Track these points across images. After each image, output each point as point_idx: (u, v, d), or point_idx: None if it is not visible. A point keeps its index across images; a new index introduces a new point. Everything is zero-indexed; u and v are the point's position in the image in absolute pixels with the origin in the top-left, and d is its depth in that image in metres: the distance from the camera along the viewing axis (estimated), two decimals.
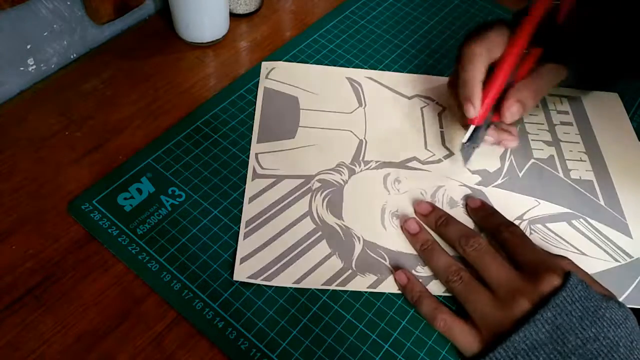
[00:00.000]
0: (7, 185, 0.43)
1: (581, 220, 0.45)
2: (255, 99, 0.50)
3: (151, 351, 0.36)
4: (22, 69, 0.49)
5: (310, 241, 0.41)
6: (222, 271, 0.39)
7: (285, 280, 0.39)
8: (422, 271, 0.41)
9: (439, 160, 0.48)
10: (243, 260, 0.40)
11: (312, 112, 0.50)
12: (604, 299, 0.35)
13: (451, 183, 0.46)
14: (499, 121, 0.44)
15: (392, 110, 0.51)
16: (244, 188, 0.44)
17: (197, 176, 0.45)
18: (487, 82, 0.42)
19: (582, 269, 0.39)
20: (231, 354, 0.36)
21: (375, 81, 0.53)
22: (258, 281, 0.39)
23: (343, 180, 0.45)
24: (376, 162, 0.47)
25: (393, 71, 0.55)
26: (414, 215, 0.44)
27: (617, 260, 0.43)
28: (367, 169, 0.46)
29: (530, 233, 0.44)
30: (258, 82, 0.52)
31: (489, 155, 0.49)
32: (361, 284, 0.40)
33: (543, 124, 0.52)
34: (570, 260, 0.39)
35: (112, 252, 0.40)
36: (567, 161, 0.49)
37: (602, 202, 0.47)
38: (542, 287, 0.35)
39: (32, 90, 0.49)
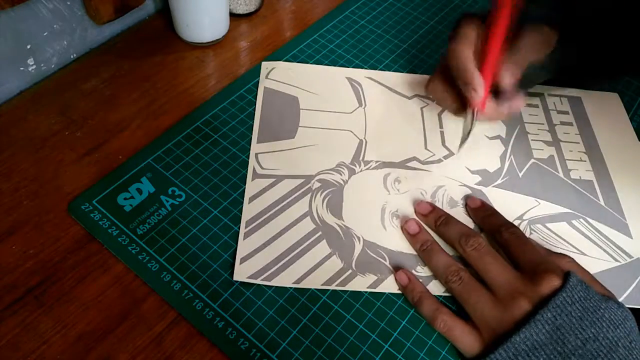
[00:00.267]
0: (7, 185, 0.43)
1: (581, 220, 0.45)
2: (255, 99, 0.50)
3: (151, 351, 0.36)
4: (22, 69, 0.49)
5: (310, 241, 0.41)
6: (222, 271, 0.39)
7: (285, 280, 0.39)
8: (422, 271, 0.41)
9: (439, 160, 0.48)
10: (243, 260, 0.40)
11: (312, 112, 0.50)
12: (603, 300, 0.35)
13: (451, 183, 0.46)
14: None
15: (392, 110, 0.51)
16: (244, 188, 0.44)
17: (197, 176, 0.45)
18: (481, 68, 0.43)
19: (583, 268, 0.39)
20: (231, 354, 0.36)
21: (375, 81, 0.53)
22: (258, 281, 0.39)
23: (343, 180, 0.45)
24: (376, 162, 0.47)
25: (393, 71, 0.55)
26: (414, 216, 0.44)
27: (617, 260, 0.43)
28: (367, 169, 0.46)
29: (530, 233, 0.44)
30: (258, 82, 0.52)
31: (489, 155, 0.49)
32: (361, 284, 0.40)
33: (543, 124, 0.52)
34: (572, 258, 0.39)
35: (112, 252, 0.40)
36: (567, 161, 0.49)
37: (602, 202, 0.47)
38: (542, 288, 0.35)
39: (32, 90, 0.49)
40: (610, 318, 0.34)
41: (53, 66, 0.51)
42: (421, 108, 0.52)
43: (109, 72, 0.51)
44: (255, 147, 0.47)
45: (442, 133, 0.50)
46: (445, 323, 0.37)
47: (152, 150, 0.46)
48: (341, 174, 0.46)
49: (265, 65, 0.53)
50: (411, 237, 0.42)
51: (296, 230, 0.42)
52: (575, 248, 0.43)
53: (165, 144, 0.46)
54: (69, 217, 0.41)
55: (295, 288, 0.39)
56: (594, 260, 0.43)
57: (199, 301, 0.38)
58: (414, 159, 0.48)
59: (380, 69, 0.55)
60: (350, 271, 0.40)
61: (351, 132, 0.49)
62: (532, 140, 0.50)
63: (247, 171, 0.45)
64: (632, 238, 0.44)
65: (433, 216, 0.43)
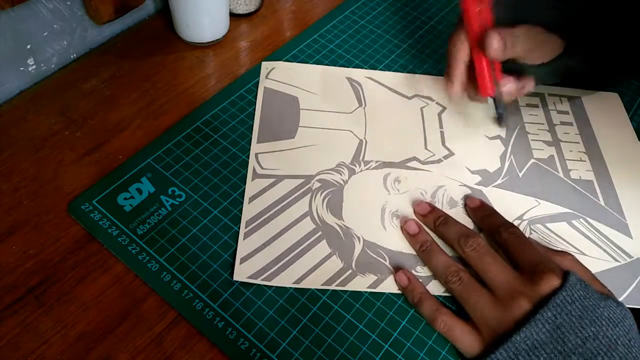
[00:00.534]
0: (7, 185, 0.43)
1: (581, 220, 0.45)
2: (255, 99, 0.50)
3: (151, 351, 0.36)
4: (22, 69, 0.49)
5: (310, 241, 0.41)
6: (222, 271, 0.39)
7: (285, 280, 0.39)
8: (421, 271, 0.41)
9: (439, 160, 0.48)
10: (243, 260, 0.40)
11: (312, 112, 0.50)
12: (602, 298, 0.35)
13: (451, 183, 0.46)
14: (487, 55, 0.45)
15: (392, 110, 0.51)
16: (244, 188, 0.44)
17: (197, 176, 0.45)
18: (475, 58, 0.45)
19: (584, 266, 0.39)
20: (231, 354, 0.36)
21: (375, 81, 0.53)
22: (258, 281, 0.39)
23: (343, 180, 0.45)
24: (376, 162, 0.47)
25: (393, 71, 0.55)
26: (414, 216, 0.44)
27: (617, 260, 0.43)
28: (367, 169, 0.46)
29: (530, 233, 0.44)
30: (258, 82, 0.52)
31: (489, 155, 0.49)
32: (361, 284, 0.40)
33: (543, 123, 0.52)
34: (573, 256, 0.40)
35: (112, 252, 0.40)
36: (567, 161, 0.49)
37: (602, 202, 0.47)
38: (541, 287, 0.35)
39: (32, 90, 0.49)
40: (610, 316, 0.34)
41: (53, 66, 0.51)
42: (421, 108, 0.52)
43: (109, 72, 0.51)
44: (255, 147, 0.47)
45: (442, 133, 0.50)
46: (445, 323, 0.37)
47: (152, 150, 0.46)
48: (341, 174, 0.46)
49: (265, 65, 0.53)
50: (411, 237, 0.42)
51: (296, 230, 0.42)
52: (575, 248, 0.43)
53: (165, 144, 0.46)
54: (69, 217, 0.41)
55: (295, 288, 0.39)
56: (594, 260, 0.43)
57: (199, 301, 0.38)
58: (414, 159, 0.48)
59: (380, 69, 0.55)
60: (350, 271, 0.40)
61: (351, 132, 0.49)
62: (532, 140, 0.50)
63: (247, 171, 0.45)
64: (632, 238, 0.44)
65: (432, 216, 0.43)
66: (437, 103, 0.52)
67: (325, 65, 0.54)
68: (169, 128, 0.48)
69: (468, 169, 0.47)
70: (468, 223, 0.43)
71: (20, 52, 0.48)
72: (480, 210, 0.43)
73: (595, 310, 0.34)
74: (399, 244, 0.42)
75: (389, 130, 0.50)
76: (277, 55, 0.55)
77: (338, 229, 0.42)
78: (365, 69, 0.55)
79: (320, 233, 0.42)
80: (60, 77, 0.51)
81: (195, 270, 0.39)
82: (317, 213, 0.43)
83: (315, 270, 0.40)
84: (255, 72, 0.53)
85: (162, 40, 0.55)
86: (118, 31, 0.55)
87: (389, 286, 0.40)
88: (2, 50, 0.46)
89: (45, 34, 0.49)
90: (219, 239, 0.41)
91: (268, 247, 0.41)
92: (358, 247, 0.41)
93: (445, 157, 0.48)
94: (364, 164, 0.47)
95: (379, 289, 0.40)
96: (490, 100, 0.47)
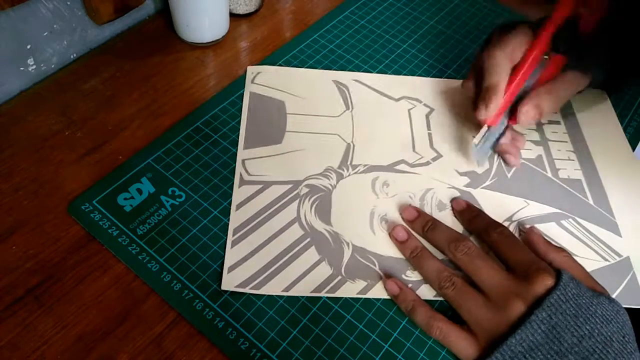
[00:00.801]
0: (7, 185, 0.43)
1: (570, 220, 0.45)
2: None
3: (151, 351, 0.36)
4: (22, 69, 0.49)
5: (299, 247, 0.41)
6: (222, 271, 0.39)
7: (274, 288, 0.39)
8: (412, 275, 0.40)
9: (427, 163, 0.47)
10: (231, 269, 0.39)
11: (299, 116, 0.49)
12: (595, 296, 0.35)
13: (440, 185, 0.46)
14: (515, 124, 0.45)
15: (379, 113, 0.51)
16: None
17: (197, 176, 0.45)
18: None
19: (578, 263, 0.39)
20: (231, 354, 0.36)
21: (362, 84, 0.53)
22: (247, 290, 0.38)
23: (331, 185, 0.45)
24: (364, 165, 0.46)
25: (393, 72, 0.55)
26: (402, 221, 0.43)
27: (606, 260, 0.43)
28: (355, 173, 0.46)
29: (520, 234, 0.44)
30: None
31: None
32: (351, 290, 0.39)
33: (530, 123, 0.52)
34: (568, 253, 0.40)
35: (112, 253, 0.40)
36: (555, 160, 0.49)
37: (591, 201, 0.46)
38: (535, 288, 0.35)
39: (32, 90, 0.49)
40: (603, 314, 0.34)
41: (53, 66, 0.51)
42: (409, 110, 0.51)
43: (109, 72, 0.51)
44: (241, 153, 0.46)
45: (430, 135, 0.50)
46: (440, 330, 0.37)
47: (152, 151, 0.46)
48: (329, 179, 0.45)
49: (251, 70, 0.52)
50: (400, 244, 0.41)
51: (285, 236, 0.41)
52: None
53: (165, 144, 0.46)
54: (69, 217, 0.41)
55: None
56: (583, 260, 0.42)
57: (199, 301, 0.38)
58: (402, 161, 0.47)
59: (380, 69, 0.55)
60: (339, 277, 0.40)
61: (338, 135, 0.48)
62: None
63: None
64: (621, 237, 0.44)
65: (420, 222, 0.42)
66: (424, 104, 0.52)
67: (325, 65, 0.54)
68: (169, 128, 0.48)
69: (456, 170, 0.47)
70: (457, 225, 0.43)
71: (20, 52, 0.48)
72: (467, 212, 0.43)
73: (589, 308, 0.34)
74: (388, 249, 0.42)
75: (376, 133, 0.49)
76: (276, 55, 0.55)
77: (327, 234, 0.42)
78: (365, 69, 0.54)
79: (309, 239, 0.41)
80: (60, 77, 0.51)
81: (195, 271, 0.39)
82: (306, 219, 0.42)
83: (305, 277, 0.39)
84: None
85: (162, 41, 0.55)
86: (118, 31, 0.55)
87: (379, 292, 0.39)
88: (2, 50, 0.46)
89: (45, 34, 0.49)
90: (219, 239, 0.41)
91: (256, 255, 0.40)
92: (347, 253, 0.41)
93: (434, 159, 0.48)
94: (352, 168, 0.46)
95: (369, 294, 0.39)
96: (485, 129, 0.45)
